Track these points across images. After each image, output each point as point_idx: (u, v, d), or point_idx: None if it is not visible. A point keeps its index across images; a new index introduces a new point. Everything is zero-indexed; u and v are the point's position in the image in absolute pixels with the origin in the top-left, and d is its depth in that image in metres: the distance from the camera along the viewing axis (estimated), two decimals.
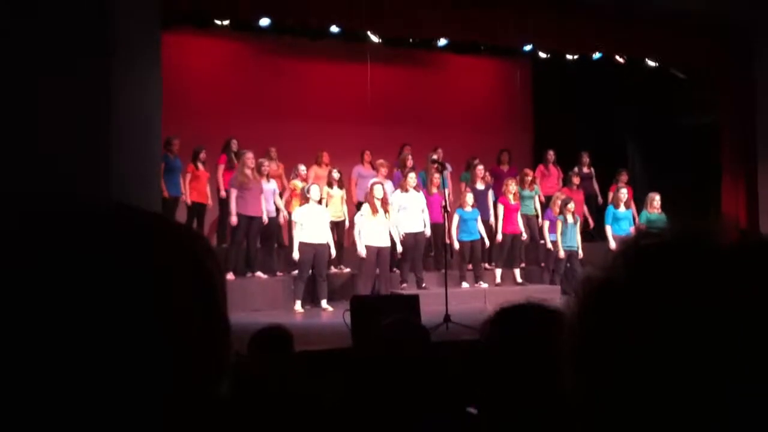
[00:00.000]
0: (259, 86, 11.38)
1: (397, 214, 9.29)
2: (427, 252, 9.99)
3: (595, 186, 11.68)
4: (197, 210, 9.77)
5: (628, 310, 0.62)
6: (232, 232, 9.28)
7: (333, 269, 9.62)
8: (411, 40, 10.73)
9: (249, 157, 9.12)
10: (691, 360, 0.59)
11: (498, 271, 10.09)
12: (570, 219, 10.00)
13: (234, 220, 8.99)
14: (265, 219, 9.23)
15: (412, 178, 9.49)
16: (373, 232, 8.90)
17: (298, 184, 9.79)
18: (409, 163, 10.35)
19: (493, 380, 1.34)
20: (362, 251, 8.90)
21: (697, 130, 11.88)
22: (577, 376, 0.66)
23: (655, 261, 0.63)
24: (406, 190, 9.43)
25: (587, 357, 0.65)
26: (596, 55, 10.65)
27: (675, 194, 10.50)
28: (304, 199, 9.00)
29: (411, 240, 9.36)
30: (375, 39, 10.21)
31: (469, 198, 9.82)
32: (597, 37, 9.90)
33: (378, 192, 8.98)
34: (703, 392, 0.58)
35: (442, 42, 10.45)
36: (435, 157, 10.03)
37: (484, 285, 9.86)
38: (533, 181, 10.77)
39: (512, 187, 10.17)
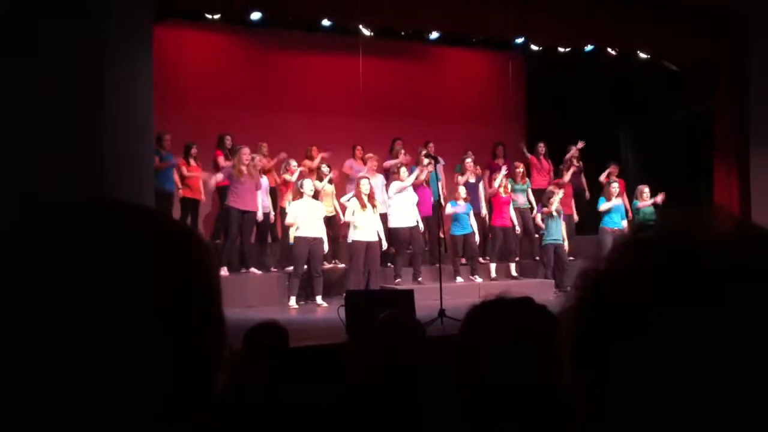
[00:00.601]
0: (251, 80, 11.35)
1: (391, 208, 9.31)
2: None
3: (583, 181, 11.66)
4: (190, 206, 9.75)
5: (627, 302, 0.62)
6: (227, 228, 9.28)
7: (327, 264, 9.62)
8: (403, 33, 10.71)
9: (245, 152, 9.11)
10: (690, 352, 0.59)
11: (493, 265, 10.10)
12: (554, 212, 10.00)
13: (212, 184, 9.22)
14: (260, 215, 9.23)
15: (404, 173, 9.49)
16: (361, 227, 8.90)
17: (288, 178, 9.80)
18: (401, 157, 10.36)
19: (469, 377, 1.35)
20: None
21: (689, 122, 11.92)
22: (576, 370, 0.66)
23: (654, 252, 0.63)
24: None
25: (587, 349, 0.65)
26: (588, 48, 10.66)
27: (667, 186, 10.53)
28: (298, 194, 8.99)
29: (407, 234, 9.37)
30: (366, 32, 10.19)
31: (462, 191, 9.82)
32: (590, 29, 9.89)
33: (365, 187, 8.98)
34: (701, 385, 0.58)
35: (434, 35, 10.44)
36: (425, 151, 10.03)
37: (478, 279, 9.88)
38: (524, 174, 10.78)
39: (501, 180, 10.18)
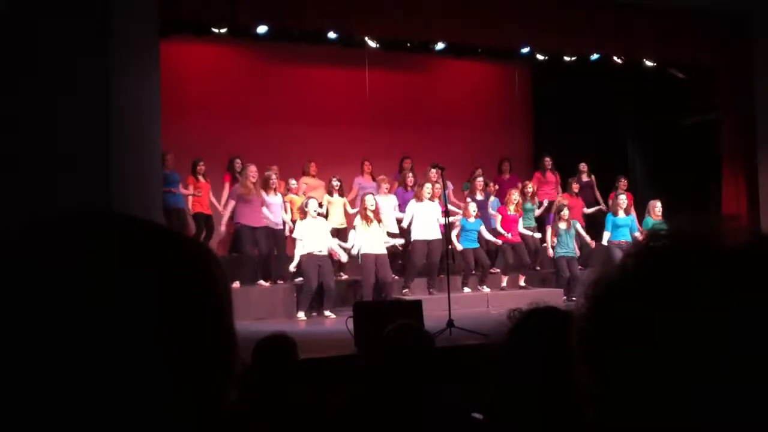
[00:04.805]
0: (258, 93, 11.40)
1: (413, 221, 9.47)
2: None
3: (597, 194, 11.48)
4: (203, 221, 9.86)
5: (639, 311, 0.62)
6: (237, 242, 9.35)
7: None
8: (408, 44, 10.74)
9: (252, 170, 9.27)
10: (697, 360, 0.59)
11: (504, 276, 10.12)
12: (563, 225, 10.00)
13: (223, 229, 9.31)
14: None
15: (427, 188, 9.58)
16: (368, 241, 9.00)
17: (294, 198, 9.86)
18: (410, 180, 10.42)
19: (512, 384, 1.34)
20: (348, 257, 9.21)
21: (696, 129, 11.88)
22: (587, 375, 0.66)
23: (668, 262, 0.63)
24: (421, 200, 9.55)
25: (598, 356, 0.65)
26: (594, 56, 10.66)
27: (676, 193, 10.47)
28: (303, 213, 9.04)
29: (424, 247, 9.41)
30: (372, 44, 10.23)
31: (472, 208, 9.89)
32: (595, 37, 9.90)
33: (369, 202, 9.08)
34: (714, 390, 0.58)
35: (440, 46, 10.47)
36: (434, 171, 10.04)
37: (486, 289, 9.86)
38: (534, 194, 10.79)
39: (515, 197, 10.19)
